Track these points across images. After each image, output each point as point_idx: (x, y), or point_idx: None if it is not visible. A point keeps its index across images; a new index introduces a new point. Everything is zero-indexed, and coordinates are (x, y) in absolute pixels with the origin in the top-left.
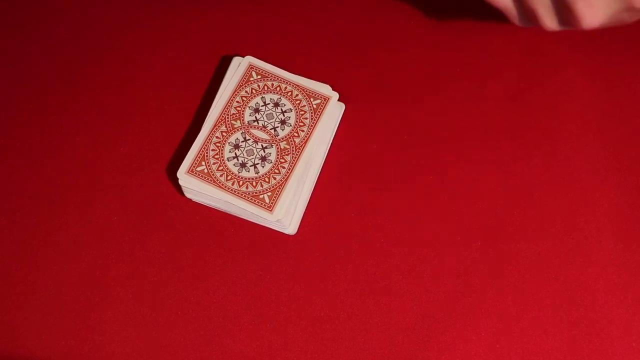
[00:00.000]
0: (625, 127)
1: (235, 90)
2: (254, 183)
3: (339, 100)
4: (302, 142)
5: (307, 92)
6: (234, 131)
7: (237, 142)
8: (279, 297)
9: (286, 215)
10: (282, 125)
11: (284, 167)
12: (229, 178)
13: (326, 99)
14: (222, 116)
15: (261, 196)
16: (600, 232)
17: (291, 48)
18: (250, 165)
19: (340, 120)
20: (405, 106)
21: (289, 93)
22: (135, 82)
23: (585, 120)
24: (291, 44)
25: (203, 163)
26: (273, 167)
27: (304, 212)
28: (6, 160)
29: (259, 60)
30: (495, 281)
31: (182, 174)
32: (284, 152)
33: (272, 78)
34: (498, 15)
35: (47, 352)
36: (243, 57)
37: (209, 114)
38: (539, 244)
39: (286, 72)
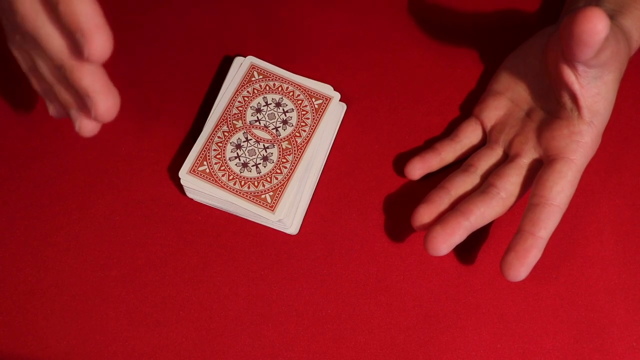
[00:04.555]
0: (625, 127)
1: (237, 90)
2: (256, 183)
3: (340, 100)
4: (303, 142)
5: (309, 92)
6: (236, 131)
7: (239, 142)
8: (281, 297)
9: (288, 215)
10: (284, 125)
11: (285, 167)
12: (230, 178)
13: (328, 99)
14: (224, 116)
15: (263, 196)
16: (600, 232)
17: (293, 48)
18: (252, 165)
19: (342, 121)
20: (406, 106)
21: (291, 93)
22: (137, 82)
23: None
24: (293, 44)
25: (205, 163)
26: (275, 167)
27: (306, 212)
28: (6, 160)
29: (260, 61)
30: (496, 281)
31: (184, 173)
32: (286, 152)
33: (274, 78)
34: (497, 17)
35: (47, 352)
36: (245, 57)
37: (210, 113)
38: None
39: (288, 72)
